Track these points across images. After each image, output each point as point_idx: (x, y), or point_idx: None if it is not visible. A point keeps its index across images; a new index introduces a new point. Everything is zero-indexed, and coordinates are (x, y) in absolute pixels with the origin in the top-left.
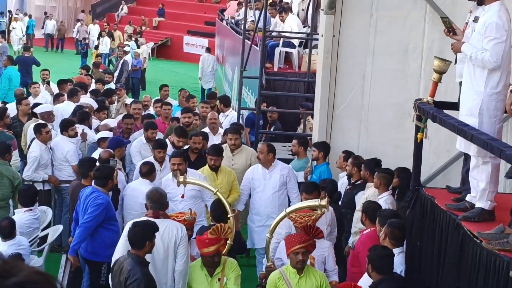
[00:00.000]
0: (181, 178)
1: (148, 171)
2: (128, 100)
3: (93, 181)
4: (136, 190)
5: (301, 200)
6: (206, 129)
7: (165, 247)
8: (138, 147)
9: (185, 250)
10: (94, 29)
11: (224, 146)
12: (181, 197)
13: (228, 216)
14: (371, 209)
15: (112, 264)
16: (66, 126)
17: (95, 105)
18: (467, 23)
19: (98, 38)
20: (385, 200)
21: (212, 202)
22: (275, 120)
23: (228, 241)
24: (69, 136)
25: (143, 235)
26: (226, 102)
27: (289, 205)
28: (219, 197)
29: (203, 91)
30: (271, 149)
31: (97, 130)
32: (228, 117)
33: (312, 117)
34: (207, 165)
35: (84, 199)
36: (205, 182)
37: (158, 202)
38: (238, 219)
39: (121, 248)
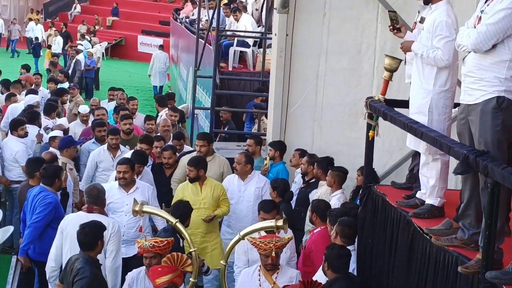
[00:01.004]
0: (136, 207)
1: None
2: (82, 109)
3: (41, 180)
4: None
5: (259, 220)
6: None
7: None
8: (96, 155)
9: (115, 246)
10: (37, 29)
11: (194, 154)
12: (139, 230)
13: (191, 250)
14: (321, 208)
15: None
16: (16, 126)
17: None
18: (415, 23)
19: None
20: (338, 198)
21: (174, 203)
22: (228, 120)
23: (192, 279)
24: (19, 135)
25: (94, 235)
26: (160, 101)
27: None
28: (178, 228)
29: (155, 88)
30: (249, 160)
31: (52, 131)
32: (163, 117)
33: (267, 117)
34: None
35: (32, 199)
36: (163, 212)
37: (94, 197)
38: None
39: (56, 249)
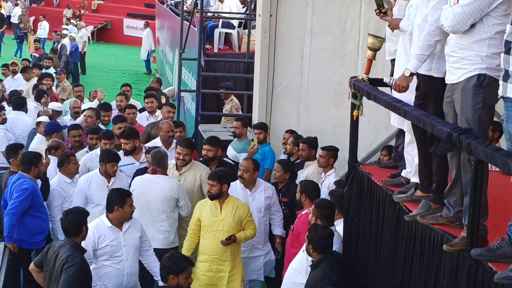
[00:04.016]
0: None
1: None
2: (89, 104)
3: (20, 168)
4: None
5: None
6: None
7: (161, 199)
8: (88, 160)
9: (186, 200)
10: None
11: (170, 163)
12: None
13: None
14: (309, 188)
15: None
16: None
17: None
18: (395, 0)
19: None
20: (334, 177)
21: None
22: None
23: None
24: None
25: (78, 221)
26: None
27: (270, 232)
28: None
29: (146, 62)
30: (257, 167)
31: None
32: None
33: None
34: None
35: (11, 186)
36: None
37: (158, 159)
38: None
39: None
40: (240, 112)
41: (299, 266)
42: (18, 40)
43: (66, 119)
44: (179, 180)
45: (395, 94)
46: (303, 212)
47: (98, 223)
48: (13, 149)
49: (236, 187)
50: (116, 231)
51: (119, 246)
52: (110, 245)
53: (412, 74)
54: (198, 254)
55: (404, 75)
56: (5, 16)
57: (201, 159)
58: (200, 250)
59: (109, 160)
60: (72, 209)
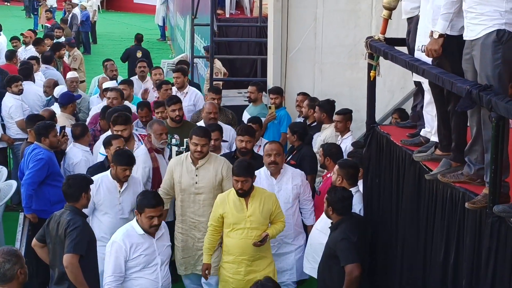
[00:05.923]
0: None
1: (80, 134)
2: (109, 83)
3: (35, 138)
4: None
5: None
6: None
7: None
8: None
9: None
10: None
11: (184, 155)
12: None
13: None
14: (333, 151)
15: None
16: (10, 82)
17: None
18: None
19: None
20: (351, 140)
21: None
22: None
23: None
24: (13, 92)
25: (78, 187)
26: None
27: (303, 224)
28: None
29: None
30: (283, 149)
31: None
32: (188, 96)
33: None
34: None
35: (27, 156)
36: None
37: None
38: None
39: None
40: (220, 76)
41: (324, 226)
42: (35, 13)
43: (94, 98)
44: (196, 176)
45: (418, 52)
46: (328, 175)
47: (128, 230)
48: (32, 120)
49: (260, 176)
50: (149, 238)
51: (153, 255)
52: (143, 254)
53: (441, 36)
54: (223, 254)
55: (433, 38)
56: None
57: (230, 150)
58: (225, 250)
59: (120, 162)
60: (74, 175)
